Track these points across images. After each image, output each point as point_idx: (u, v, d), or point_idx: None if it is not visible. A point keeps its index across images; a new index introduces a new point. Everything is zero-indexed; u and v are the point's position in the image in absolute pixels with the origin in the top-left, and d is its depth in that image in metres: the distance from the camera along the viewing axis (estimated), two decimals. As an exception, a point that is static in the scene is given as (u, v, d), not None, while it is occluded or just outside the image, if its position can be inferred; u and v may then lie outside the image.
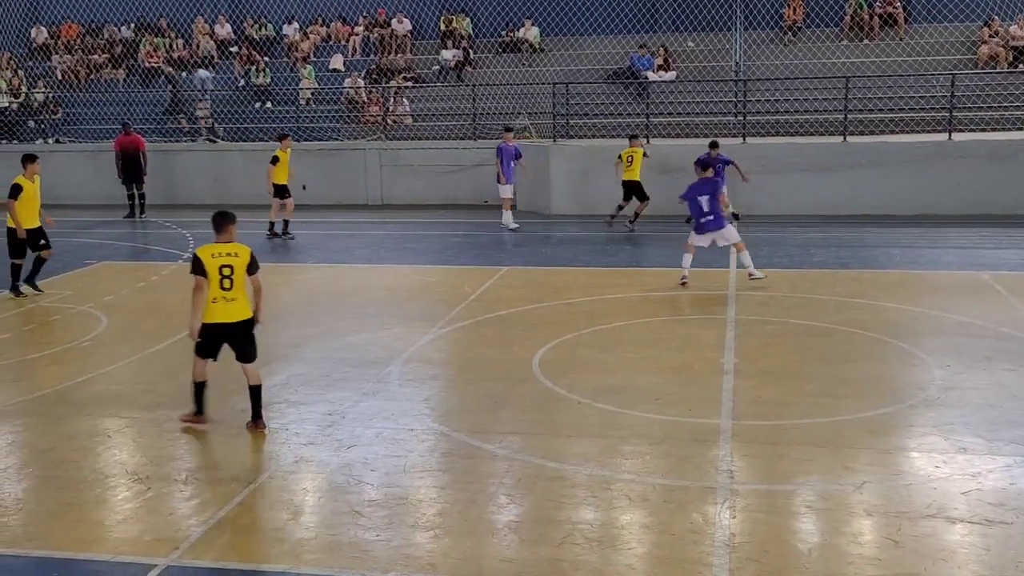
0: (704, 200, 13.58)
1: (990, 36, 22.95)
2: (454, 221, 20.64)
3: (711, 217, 13.61)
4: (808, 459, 7.58)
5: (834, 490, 7.03)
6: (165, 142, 24.93)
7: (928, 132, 20.48)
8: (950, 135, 19.77)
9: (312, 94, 25.97)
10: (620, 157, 18.87)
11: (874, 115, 21.16)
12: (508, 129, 19.88)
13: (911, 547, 6.11)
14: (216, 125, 25.62)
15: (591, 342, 11.03)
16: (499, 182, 19.38)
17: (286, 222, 18.69)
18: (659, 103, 22.82)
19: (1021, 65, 22.33)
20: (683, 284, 13.52)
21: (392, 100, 24.98)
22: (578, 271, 15.21)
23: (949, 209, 19.06)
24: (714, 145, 17.99)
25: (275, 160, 18.61)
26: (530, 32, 26.20)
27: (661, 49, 24.25)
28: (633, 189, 18.81)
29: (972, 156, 19.08)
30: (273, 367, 9.98)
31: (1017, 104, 21.35)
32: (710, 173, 14.03)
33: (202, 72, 26.82)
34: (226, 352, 8.41)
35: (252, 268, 8.34)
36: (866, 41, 24.11)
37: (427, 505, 6.89)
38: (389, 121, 24.48)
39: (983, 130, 20.50)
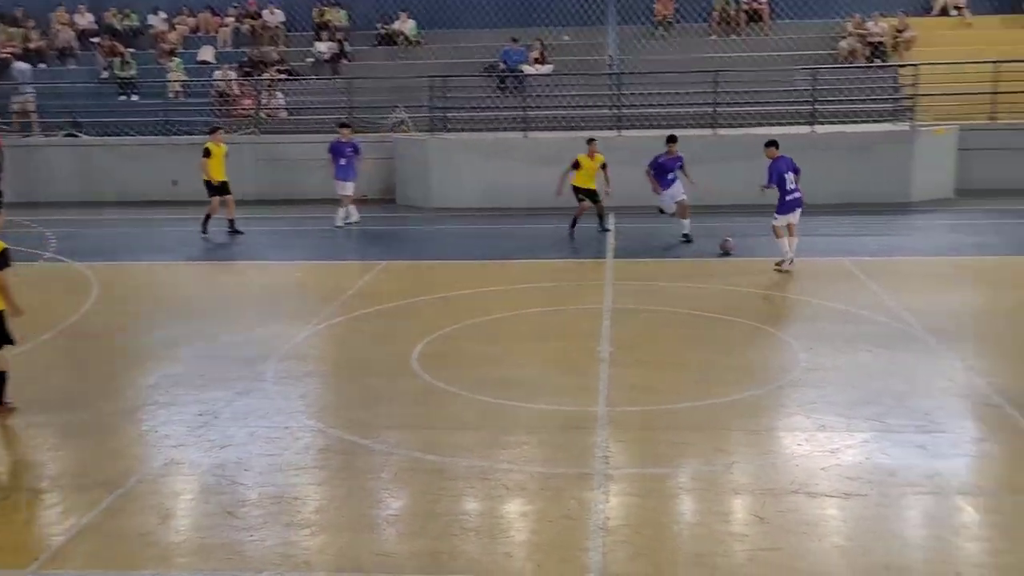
0: (790, 177, 14.33)
1: (849, 32, 23.96)
2: (331, 216, 20.35)
3: (797, 194, 14.29)
4: (681, 442, 7.79)
5: (705, 471, 7.25)
6: (24, 136, 23.83)
7: (793, 124, 21.23)
8: (813, 127, 20.55)
9: (181, 87, 25.21)
10: (578, 163, 17.14)
11: (742, 108, 21.81)
12: (343, 125, 19.40)
13: (775, 523, 6.36)
14: (78, 120, 24.58)
15: (470, 335, 11.07)
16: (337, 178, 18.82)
17: (231, 220, 17.91)
18: (536, 96, 23.01)
19: (878, 60, 23.38)
20: (783, 268, 13.86)
21: (265, 93, 24.47)
22: (457, 264, 15.24)
23: (814, 199, 19.65)
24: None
25: (207, 153, 17.77)
26: (406, 25, 26.05)
27: (537, 43, 24.45)
28: (590, 195, 17.32)
29: (834, 148, 19.88)
30: (144, 368, 9.66)
31: (875, 98, 22.36)
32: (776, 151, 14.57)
33: (20, 64, 25.70)
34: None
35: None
36: (733, 36, 24.84)
37: (302, 503, 6.80)
38: (262, 115, 23.97)
39: (843, 122, 21.39)
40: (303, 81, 25.00)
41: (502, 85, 23.76)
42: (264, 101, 24.30)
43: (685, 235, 16.38)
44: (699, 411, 8.45)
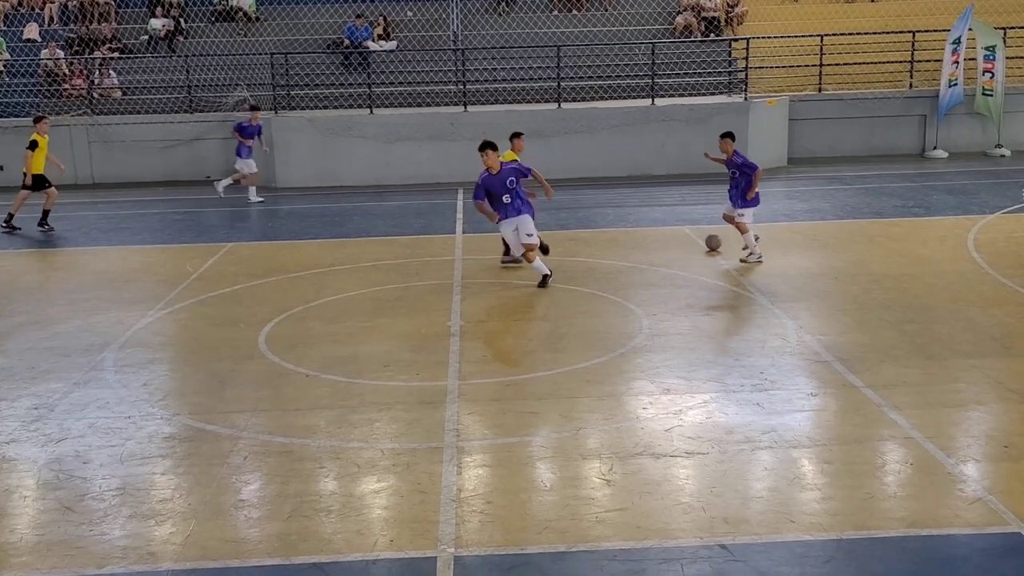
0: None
1: (685, 8, 24.65)
2: (173, 199, 19.66)
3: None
4: (530, 412, 7.92)
5: (554, 438, 7.41)
6: None
7: (634, 98, 21.77)
8: (653, 100, 21.10)
9: (4, 66, 23.71)
10: None
11: (584, 82, 22.20)
12: (254, 108, 19.52)
13: (621, 485, 6.56)
14: None
15: (319, 315, 10.92)
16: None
17: (46, 212, 16.74)
18: (381, 73, 22.76)
19: (712, 35, 24.17)
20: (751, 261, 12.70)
21: (97, 72, 23.29)
22: (306, 244, 14.97)
23: (655, 169, 20.44)
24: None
25: (33, 145, 16.45)
26: (245, 0, 25.24)
27: (380, 19, 24.15)
28: None
29: (673, 120, 20.51)
30: (-33, 364, 9.12)
31: (710, 71, 23.14)
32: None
33: None
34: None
35: None
36: (575, 12, 25.17)
37: (146, 493, 6.59)
38: (95, 95, 22.83)
39: (681, 95, 22.07)
40: (137, 59, 23.92)
41: (346, 62, 23.39)
42: (96, 81, 23.13)
43: None
44: (547, 380, 8.61)
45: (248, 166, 19.14)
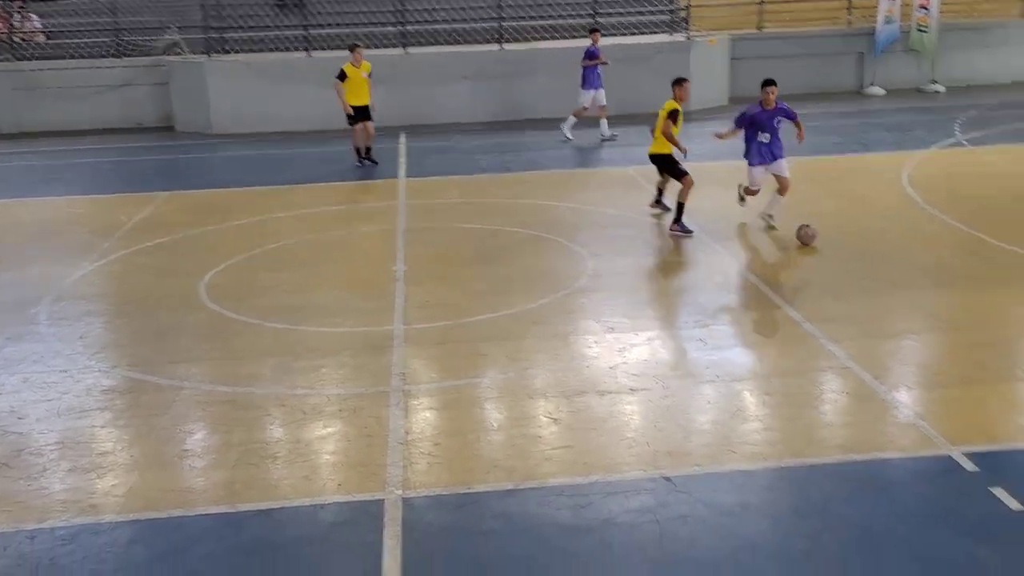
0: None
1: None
2: (103, 147, 19.14)
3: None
4: (477, 354, 7.92)
5: (501, 379, 7.43)
6: None
7: (576, 38, 21.58)
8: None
9: (-84, 12, 22.74)
10: (344, 73, 15.92)
11: (527, 23, 21.93)
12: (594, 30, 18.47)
13: (568, 423, 6.61)
14: None
15: (261, 263, 10.77)
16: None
17: None
18: (318, 15, 22.25)
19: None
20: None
21: (18, 16, 22.43)
22: (244, 191, 14.71)
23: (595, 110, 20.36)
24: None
25: None
26: (173, -61, 24.39)
27: (316, -42, 23.53)
28: (363, 114, 16.12)
29: (615, 59, 20.36)
30: None
31: (651, 9, 22.99)
32: None
33: None
34: None
35: None
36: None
37: (86, 447, 6.48)
38: (17, 39, 22.01)
39: (623, 35, 21.93)
40: (61, 2, 23.06)
41: (281, 3, 22.80)
42: (17, 24, 22.29)
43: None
44: (494, 323, 8.61)
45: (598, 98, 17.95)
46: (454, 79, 20.21)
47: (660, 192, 12.30)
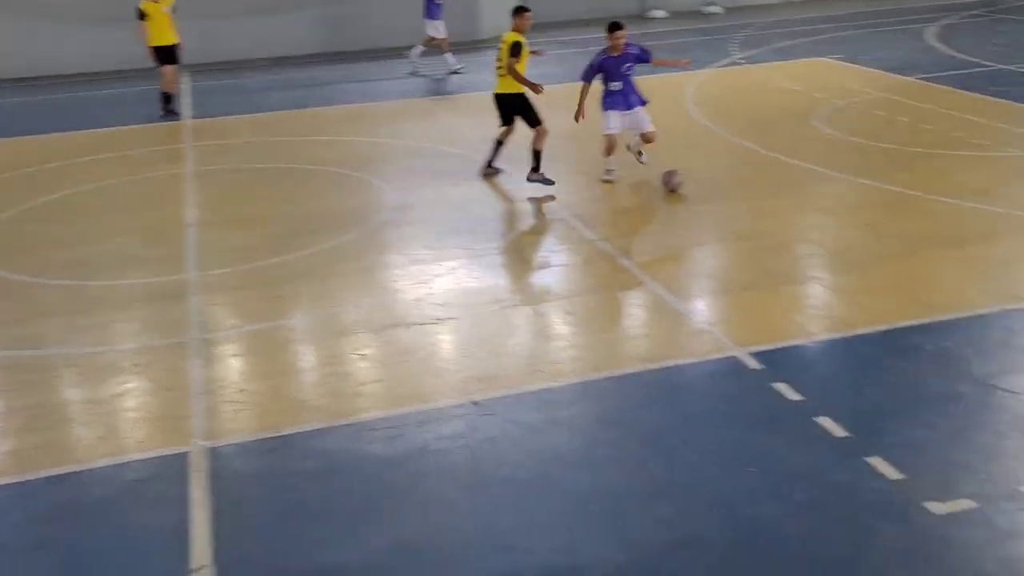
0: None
1: None
2: None
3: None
4: (279, 296, 7.74)
5: (305, 320, 7.32)
6: None
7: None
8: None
9: None
10: (144, 13, 14.37)
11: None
12: None
13: (376, 358, 6.60)
14: None
15: (38, 216, 10.07)
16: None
17: None
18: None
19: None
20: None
21: None
22: (12, 141, 13.64)
23: (390, 42, 20.01)
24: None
25: None
26: None
27: None
28: (168, 56, 14.59)
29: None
30: None
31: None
32: None
33: None
34: None
35: None
36: None
37: None
38: None
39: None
40: None
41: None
42: None
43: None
44: (293, 263, 8.42)
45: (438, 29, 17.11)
46: (239, 13, 19.33)
47: (498, 147, 10.68)
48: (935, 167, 10.09)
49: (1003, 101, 12.59)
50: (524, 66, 10.20)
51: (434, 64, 17.62)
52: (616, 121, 10.19)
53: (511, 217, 9.40)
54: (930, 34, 18.52)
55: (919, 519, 4.56)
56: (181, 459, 5.43)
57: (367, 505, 4.95)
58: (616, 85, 10.19)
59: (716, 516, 4.69)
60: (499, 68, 10.40)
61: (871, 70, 15.15)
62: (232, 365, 6.65)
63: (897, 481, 4.84)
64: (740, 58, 17.30)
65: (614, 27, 10.22)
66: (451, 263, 8.26)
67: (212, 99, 15.91)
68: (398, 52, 18.69)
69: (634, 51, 10.24)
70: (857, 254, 7.98)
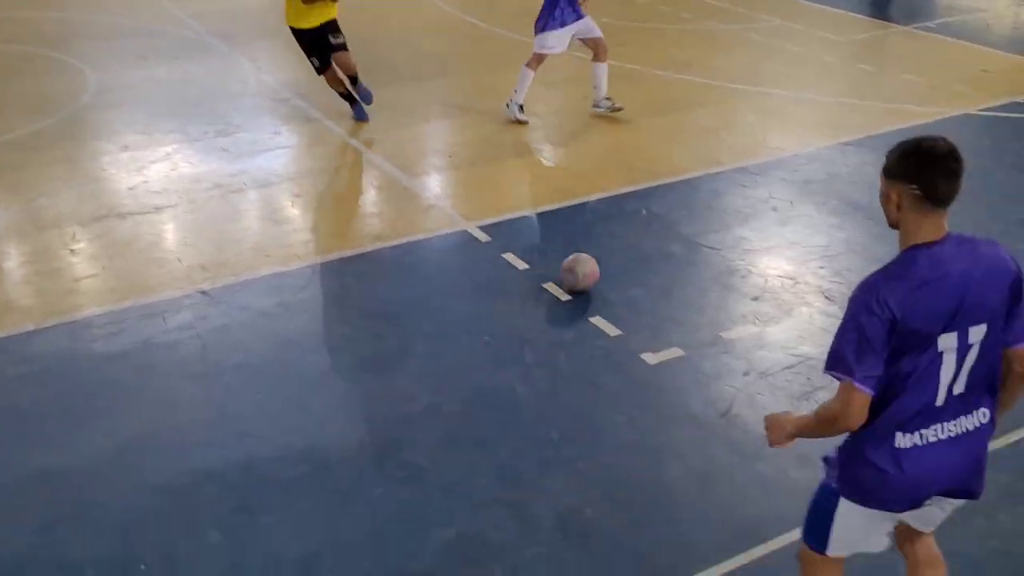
0: None
1: None
2: None
3: None
4: (-32, 191, 7.01)
5: (3, 216, 6.66)
6: None
7: None
8: None
9: None
10: None
11: None
12: None
13: (88, 251, 6.15)
14: None
15: None
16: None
17: None
18: None
19: None
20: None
21: None
22: None
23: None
24: None
25: None
26: None
27: None
28: None
29: None
30: None
31: None
32: None
33: None
34: None
35: None
36: None
37: None
38: None
39: None
40: None
41: None
42: None
43: None
44: (-15, 154, 7.63)
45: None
46: None
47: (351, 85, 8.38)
48: (646, 41, 10.57)
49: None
50: None
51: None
52: (557, 40, 8.12)
53: (229, 98, 8.92)
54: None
55: (636, 369, 4.93)
56: None
57: (91, 405, 4.68)
58: None
59: (453, 384, 4.83)
60: None
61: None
62: (-82, 269, 5.99)
63: (616, 337, 5.18)
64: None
65: None
66: (166, 148, 7.78)
67: None
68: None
69: None
70: (576, 126, 8.27)
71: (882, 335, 2.48)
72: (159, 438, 4.44)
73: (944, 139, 2.51)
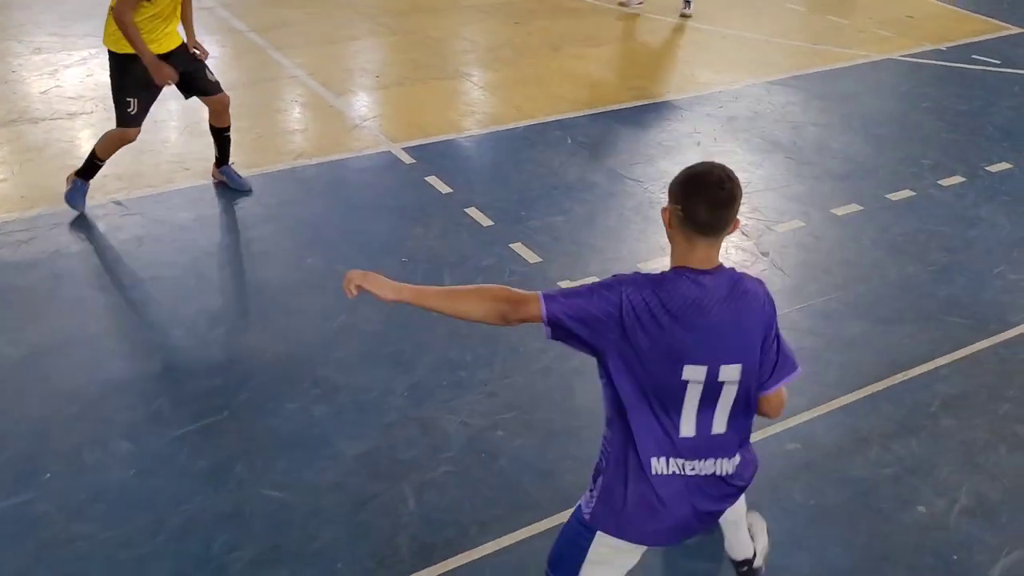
0: None
1: None
2: None
3: None
4: None
5: (-96, 115, 6.40)
6: None
7: None
8: None
9: None
10: None
11: None
12: None
13: (-3, 155, 5.97)
14: None
15: None
16: None
17: None
18: None
19: None
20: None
21: None
22: None
23: None
24: None
25: None
26: None
27: None
28: None
29: None
30: None
31: None
32: None
33: None
34: None
35: None
36: None
37: None
38: None
39: None
40: None
41: None
42: None
43: None
44: None
45: None
46: None
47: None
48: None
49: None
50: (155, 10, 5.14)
51: None
52: None
53: (150, 4, 8.61)
54: None
55: (553, 296, 4.97)
56: None
57: (2, 313, 4.58)
58: None
59: (370, 304, 4.75)
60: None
61: None
62: None
63: (535, 263, 5.23)
64: None
65: None
66: (81, 53, 7.51)
67: None
68: None
69: None
70: (508, 53, 8.20)
71: (599, 315, 2.40)
72: (69, 347, 4.37)
73: (722, 167, 2.39)
